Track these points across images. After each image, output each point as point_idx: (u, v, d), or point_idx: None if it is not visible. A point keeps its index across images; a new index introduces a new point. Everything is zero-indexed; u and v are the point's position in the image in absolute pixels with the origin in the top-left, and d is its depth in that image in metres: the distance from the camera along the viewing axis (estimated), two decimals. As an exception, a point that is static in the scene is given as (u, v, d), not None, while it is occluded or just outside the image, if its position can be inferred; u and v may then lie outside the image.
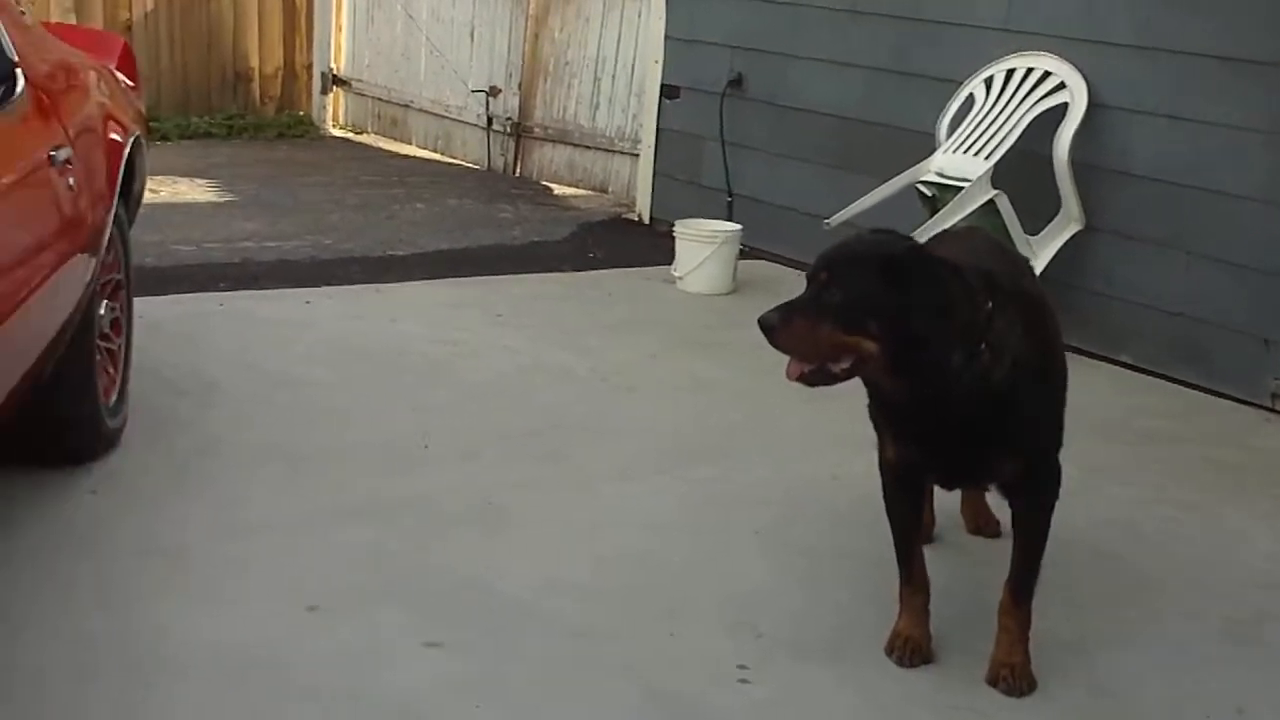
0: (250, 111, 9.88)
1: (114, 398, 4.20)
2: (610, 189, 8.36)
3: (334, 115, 10.05)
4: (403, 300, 5.98)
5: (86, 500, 3.88)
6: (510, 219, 7.81)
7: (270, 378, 4.91)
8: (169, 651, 3.11)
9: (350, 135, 9.95)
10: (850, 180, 6.40)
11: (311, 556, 3.63)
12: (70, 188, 3.52)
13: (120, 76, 4.67)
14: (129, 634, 3.19)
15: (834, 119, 6.79)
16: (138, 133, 4.36)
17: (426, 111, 9.41)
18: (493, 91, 8.84)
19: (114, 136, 4.07)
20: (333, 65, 9.95)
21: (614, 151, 8.30)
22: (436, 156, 9.33)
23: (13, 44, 3.51)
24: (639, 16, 8.00)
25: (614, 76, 8.28)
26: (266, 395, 4.75)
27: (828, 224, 5.90)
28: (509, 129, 8.81)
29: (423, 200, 8.08)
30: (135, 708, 2.92)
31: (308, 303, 5.88)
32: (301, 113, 10.04)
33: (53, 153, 3.43)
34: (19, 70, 3.46)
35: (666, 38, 7.57)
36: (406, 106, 9.54)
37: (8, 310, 3.00)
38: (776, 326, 2.86)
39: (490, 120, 8.89)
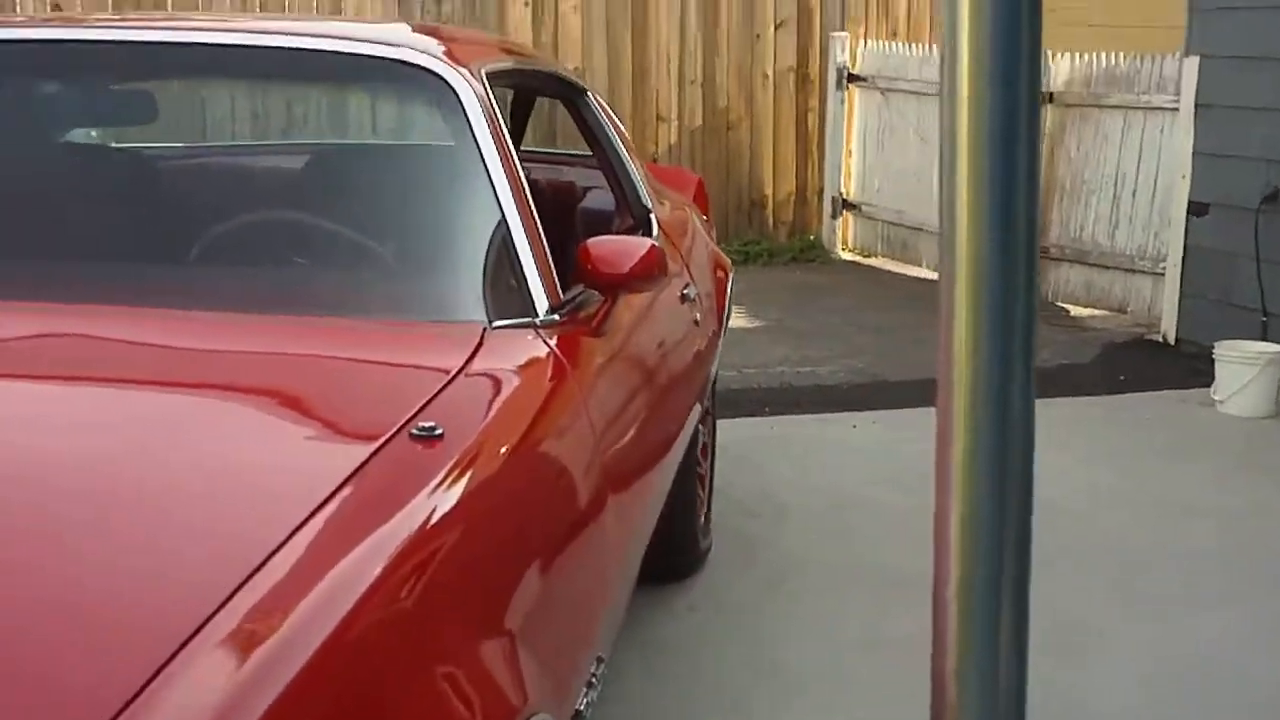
0: (764, 237, 10.28)
1: (702, 519, 4.48)
2: (1130, 309, 8.27)
3: (843, 239, 10.33)
4: (946, 423, 6.08)
5: (686, 616, 4.15)
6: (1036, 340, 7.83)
7: (836, 499, 5.11)
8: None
9: (859, 258, 10.20)
10: None
11: (907, 677, 3.75)
12: (696, 322, 3.82)
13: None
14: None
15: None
16: (731, 268, 4.68)
17: (938, 233, 9.54)
18: (1007, 213, 8.91)
19: (719, 273, 4.40)
20: (843, 189, 10.25)
21: (1134, 271, 8.21)
22: (947, 277, 9.44)
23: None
24: (1161, 133, 7.94)
25: (1134, 194, 8.22)
26: (836, 516, 4.95)
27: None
28: (1024, 250, 8.86)
29: (942, 322, 8.19)
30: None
31: (854, 426, 6.08)
32: (812, 237, 10.38)
33: (684, 290, 3.74)
34: (653, 215, 3.80)
35: (1194, 153, 7.48)
36: (917, 229, 9.72)
37: (674, 433, 3.30)
38: None
39: (1005, 241, 8.95)
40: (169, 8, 9.16)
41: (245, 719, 1.39)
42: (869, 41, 10.16)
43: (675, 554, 4.21)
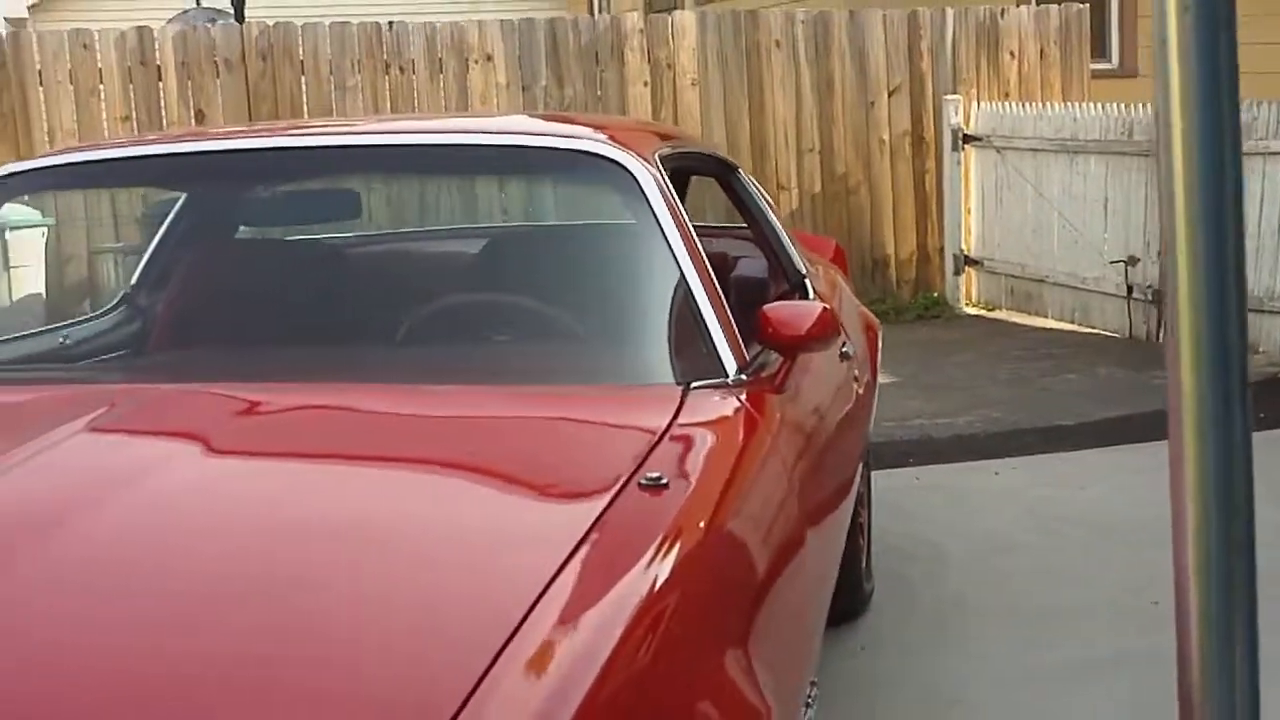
0: (888, 296, 10.49)
1: (865, 564, 4.70)
2: (1261, 349, 8.36)
3: (967, 294, 10.51)
4: (1086, 467, 6.26)
5: (859, 656, 4.36)
6: (1165, 385, 7.93)
7: (985, 543, 5.30)
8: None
9: (983, 312, 10.37)
10: None
11: (1079, 706, 3.94)
12: (855, 378, 4.06)
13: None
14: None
15: None
16: (879, 326, 4.92)
17: (1061, 285, 9.71)
18: (1131, 261, 9.05)
19: (869, 331, 4.65)
20: (963, 246, 10.44)
21: (1263, 311, 8.31)
22: (1074, 328, 9.59)
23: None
24: (1282, 177, 8.07)
25: (1259, 236, 8.34)
26: (988, 559, 5.14)
27: None
28: (1150, 296, 8.98)
29: (1073, 371, 8.35)
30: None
31: (996, 473, 6.27)
32: (935, 294, 10.57)
33: (843, 348, 3.98)
34: (808, 280, 4.05)
35: (1317, 196, 7.63)
36: (1040, 281, 9.89)
37: (848, 479, 3.54)
38: None
39: (1130, 289, 9.10)
40: (305, 116, 9.59)
41: None
42: (982, 103, 10.38)
43: (843, 597, 4.41)
